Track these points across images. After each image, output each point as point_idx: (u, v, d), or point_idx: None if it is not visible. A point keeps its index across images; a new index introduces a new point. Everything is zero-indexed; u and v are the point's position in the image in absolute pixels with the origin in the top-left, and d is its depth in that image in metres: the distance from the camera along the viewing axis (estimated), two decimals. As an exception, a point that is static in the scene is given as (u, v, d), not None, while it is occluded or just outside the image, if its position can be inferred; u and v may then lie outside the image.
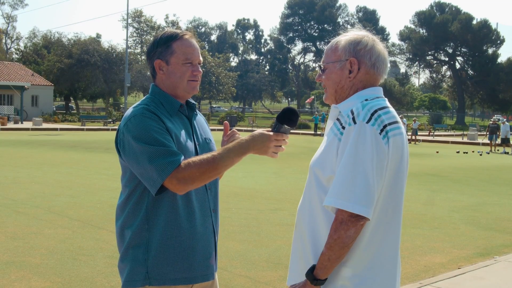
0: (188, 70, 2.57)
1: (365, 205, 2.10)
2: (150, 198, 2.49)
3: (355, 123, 2.16)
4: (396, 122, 2.23)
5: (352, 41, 2.33)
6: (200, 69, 2.64)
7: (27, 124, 41.41)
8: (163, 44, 2.58)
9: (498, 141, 30.70)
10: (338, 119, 2.31)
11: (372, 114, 2.17)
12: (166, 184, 2.38)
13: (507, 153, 29.10)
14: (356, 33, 2.38)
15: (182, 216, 2.51)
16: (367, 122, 2.15)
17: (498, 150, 29.99)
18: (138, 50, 76.18)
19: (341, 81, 2.33)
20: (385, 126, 2.17)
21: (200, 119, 2.79)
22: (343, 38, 2.37)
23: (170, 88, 2.60)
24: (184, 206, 2.51)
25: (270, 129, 2.47)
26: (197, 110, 2.78)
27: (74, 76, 59.35)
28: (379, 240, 2.23)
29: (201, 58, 2.65)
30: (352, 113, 2.20)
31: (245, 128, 47.50)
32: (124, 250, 2.55)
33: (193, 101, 2.73)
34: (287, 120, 2.38)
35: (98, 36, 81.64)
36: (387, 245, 2.26)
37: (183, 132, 2.56)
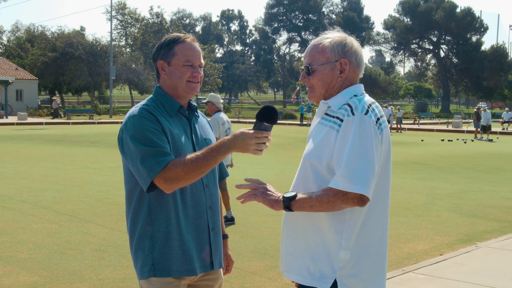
0: (188, 71, 2.71)
1: (371, 188, 2.30)
2: (151, 194, 2.62)
3: (353, 114, 2.35)
4: (383, 115, 2.47)
5: (338, 43, 2.51)
6: (201, 72, 2.76)
7: (12, 119, 41.00)
8: (166, 46, 2.74)
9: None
10: (326, 114, 2.48)
11: (368, 107, 2.39)
12: (155, 183, 2.51)
13: (491, 140, 29.29)
14: (337, 34, 2.55)
15: (181, 212, 2.65)
16: (365, 114, 2.35)
17: (482, 137, 30.13)
18: (123, 43, 75.71)
19: (332, 81, 2.51)
20: (378, 119, 2.40)
21: (202, 120, 2.92)
22: (326, 40, 2.52)
23: (171, 88, 2.74)
24: (182, 202, 2.65)
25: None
26: (199, 112, 2.90)
27: (59, 69, 58.76)
28: (372, 223, 2.43)
29: (202, 61, 2.79)
30: (350, 106, 2.38)
31: (232, 119, 47.49)
32: (133, 242, 2.71)
33: (195, 103, 2.85)
34: (266, 117, 2.47)
35: (82, 29, 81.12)
36: (379, 227, 2.47)
37: (180, 132, 2.69)
